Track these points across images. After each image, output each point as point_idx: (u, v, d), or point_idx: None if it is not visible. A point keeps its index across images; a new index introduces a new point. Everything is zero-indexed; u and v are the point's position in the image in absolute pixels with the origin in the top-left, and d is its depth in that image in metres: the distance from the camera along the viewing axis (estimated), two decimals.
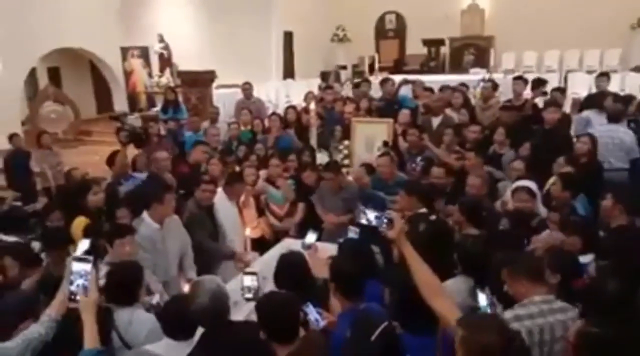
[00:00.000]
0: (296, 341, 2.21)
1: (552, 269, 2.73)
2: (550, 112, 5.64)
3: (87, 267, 2.15)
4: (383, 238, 2.42)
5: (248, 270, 3.31)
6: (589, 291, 2.49)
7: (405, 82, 8.00)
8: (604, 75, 7.05)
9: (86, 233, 3.59)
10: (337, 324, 2.54)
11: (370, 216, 2.28)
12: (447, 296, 2.23)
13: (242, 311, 3.61)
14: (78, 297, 2.15)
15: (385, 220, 2.24)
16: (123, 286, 2.76)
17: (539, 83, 7.10)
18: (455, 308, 2.15)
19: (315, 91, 9.33)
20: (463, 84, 7.96)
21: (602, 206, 3.36)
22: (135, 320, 2.68)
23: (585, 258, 3.09)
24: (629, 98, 6.53)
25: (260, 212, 5.41)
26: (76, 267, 2.15)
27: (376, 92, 8.21)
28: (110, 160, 5.67)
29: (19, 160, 7.29)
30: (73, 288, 2.14)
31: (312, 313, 2.52)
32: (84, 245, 2.61)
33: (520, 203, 3.92)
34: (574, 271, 2.77)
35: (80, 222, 4.14)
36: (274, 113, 7.05)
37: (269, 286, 4.03)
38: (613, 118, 5.59)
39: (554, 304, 2.36)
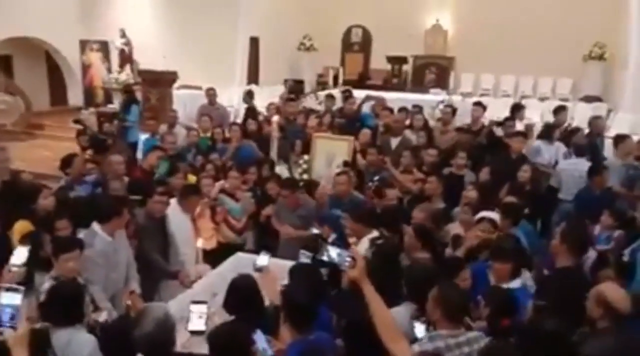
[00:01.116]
0: None
1: (485, 302, 2.84)
2: (518, 141, 5.88)
3: (17, 298, 2.05)
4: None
5: (197, 299, 3.22)
6: (526, 329, 2.56)
7: (368, 98, 8.11)
8: (563, 109, 7.43)
9: (25, 241, 3.34)
10: (286, 354, 2.54)
11: (332, 253, 2.27)
12: (405, 341, 2.25)
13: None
14: (6, 330, 2.05)
15: (347, 259, 2.24)
16: (62, 305, 2.66)
17: (517, 108, 7.40)
18: (410, 353, 2.18)
19: (276, 99, 9.30)
20: (416, 106, 8.13)
21: (552, 245, 3.46)
22: (75, 341, 2.58)
23: (514, 283, 3.25)
24: (576, 130, 6.91)
25: (216, 222, 5.35)
26: (5, 297, 2.05)
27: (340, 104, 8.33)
28: (65, 164, 5.46)
29: None
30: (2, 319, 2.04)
31: (260, 341, 2.50)
32: (21, 253, 2.50)
33: (484, 234, 3.96)
34: (505, 308, 2.83)
35: (22, 227, 3.92)
36: (234, 123, 6.97)
37: (219, 303, 4.04)
38: (579, 153, 5.90)
39: (460, 337, 2.42)
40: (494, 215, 4.15)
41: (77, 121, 8.20)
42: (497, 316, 2.77)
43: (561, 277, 3.22)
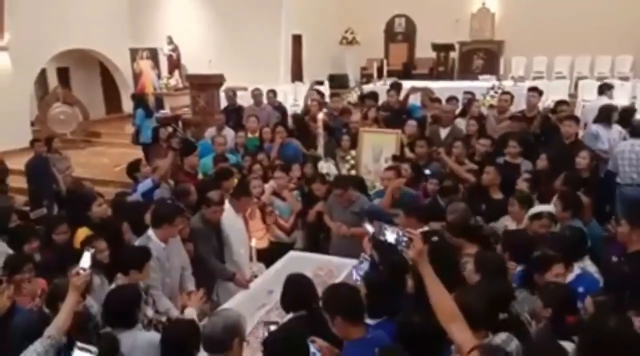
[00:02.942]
0: None
1: (544, 303, 2.70)
2: (568, 125, 5.59)
3: None
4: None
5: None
6: (589, 328, 2.40)
7: (413, 90, 7.93)
8: (608, 88, 7.07)
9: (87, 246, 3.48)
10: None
11: (390, 233, 2.25)
12: (463, 322, 2.19)
13: (250, 324, 3.63)
14: None
15: (404, 240, 2.21)
16: (120, 309, 2.78)
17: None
18: (471, 335, 2.12)
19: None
20: (468, 92, 7.87)
21: (619, 232, 3.29)
22: (139, 343, 2.68)
23: (570, 276, 3.11)
24: (630, 110, 6.50)
25: (266, 222, 5.39)
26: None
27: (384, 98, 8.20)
28: (131, 169, 5.66)
29: (40, 166, 7.21)
30: None
31: (310, 347, 2.47)
32: (86, 257, 2.60)
33: (543, 229, 3.81)
34: (567, 306, 2.69)
35: (82, 233, 4.08)
36: (278, 124, 7.00)
37: (275, 300, 4.08)
38: (635, 133, 5.55)
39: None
40: (551, 207, 3.96)
41: (167, 124, 8.54)
42: (561, 316, 2.64)
43: (634, 261, 3.07)
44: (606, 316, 2.33)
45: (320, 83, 10.96)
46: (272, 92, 8.57)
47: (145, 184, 5.19)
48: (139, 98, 9.85)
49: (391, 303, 2.80)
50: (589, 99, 9.28)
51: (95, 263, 3.59)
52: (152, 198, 4.93)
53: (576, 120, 5.81)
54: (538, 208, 4.00)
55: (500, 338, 2.51)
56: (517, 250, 3.40)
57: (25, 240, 3.85)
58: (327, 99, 8.89)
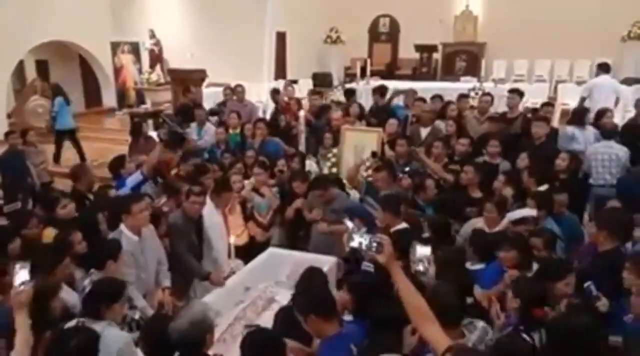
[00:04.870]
0: None
1: (514, 293, 2.80)
2: (538, 126, 5.67)
3: None
4: None
5: (230, 294, 3.25)
6: (557, 323, 2.49)
7: (397, 93, 7.98)
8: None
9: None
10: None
11: (359, 239, 2.24)
12: (436, 322, 2.19)
13: (226, 320, 3.61)
14: None
15: (374, 244, 2.21)
16: (103, 300, 2.74)
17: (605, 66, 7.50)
18: (444, 336, 2.12)
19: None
20: (464, 96, 7.91)
21: (589, 233, 3.39)
22: (106, 336, 2.59)
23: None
24: (603, 112, 6.63)
25: (247, 218, 5.37)
26: None
27: (367, 97, 8.24)
28: (115, 165, 5.58)
29: (14, 159, 6.97)
30: None
31: None
32: (22, 274, 2.42)
33: (525, 231, 3.86)
34: (535, 300, 2.77)
35: (47, 234, 4.00)
36: (259, 120, 6.95)
37: (252, 296, 4.06)
38: (608, 135, 5.66)
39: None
40: (533, 212, 4.03)
41: (157, 115, 8.45)
42: (528, 308, 2.72)
43: (602, 259, 3.19)
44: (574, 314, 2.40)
45: (294, 81, 10.96)
46: (241, 87, 8.47)
47: (134, 178, 5.12)
48: (58, 88, 9.91)
49: (376, 305, 2.80)
50: (568, 103, 9.44)
51: (74, 255, 3.59)
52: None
53: (547, 121, 5.90)
54: (521, 212, 4.05)
55: (476, 334, 2.54)
56: (483, 249, 3.56)
57: (9, 240, 3.69)
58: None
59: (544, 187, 4.57)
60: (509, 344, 2.42)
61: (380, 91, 7.94)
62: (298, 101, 7.66)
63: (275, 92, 8.57)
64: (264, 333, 2.34)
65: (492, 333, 2.60)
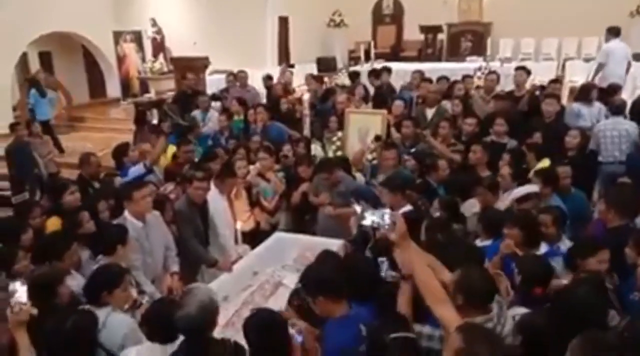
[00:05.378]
0: None
1: (518, 271, 2.77)
2: (549, 104, 5.59)
3: None
4: None
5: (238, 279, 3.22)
6: (561, 297, 2.47)
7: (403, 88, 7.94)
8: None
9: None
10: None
11: (372, 217, 2.20)
12: (449, 302, 2.18)
13: (234, 305, 3.62)
14: None
15: (388, 222, 2.17)
16: (104, 287, 2.74)
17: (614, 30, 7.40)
18: (457, 317, 2.11)
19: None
20: (468, 76, 7.82)
21: (599, 210, 3.35)
22: (110, 322, 2.63)
23: (542, 249, 3.20)
24: (612, 88, 6.53)
25: (253, 204, 5.36)
26: None
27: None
28: (118, 153, 5.56)
29: (21, 150, 7.04)
30: None
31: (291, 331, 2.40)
32: (22, 292, 2.37)
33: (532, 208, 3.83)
34: (537, 278, 2.73)
35: (51, 223, 4.01)
36: (259, 104, 6.90)
37: (260, 281, 4.06)
38: (617, 111, 5.56)
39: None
40: (535, 187, 3.98)
41: (161, 104, 8.44)
42: (529, 285, 2.69)
43: (611, 235, 3.14)
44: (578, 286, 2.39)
45: (291, 66, 10.90)
46: (243, 73, 8.44)
47: (136, 169, 5.11)
48: (32, 81, 10.00)
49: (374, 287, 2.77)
50: (576, 80, 9.30)
51: (82, 236, 3.62)
52: None
53: (557, 98, 5.81)
54: (524, 189, 4.00)
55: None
56: (491, 226, 3.54)
57: (22, 231, 3.67)
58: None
59: (545, 163, 4.51)
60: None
61: (375, 74, 7.85)
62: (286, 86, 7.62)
63: (268, 78, 8.52)
64: (265, 314, 2.32)
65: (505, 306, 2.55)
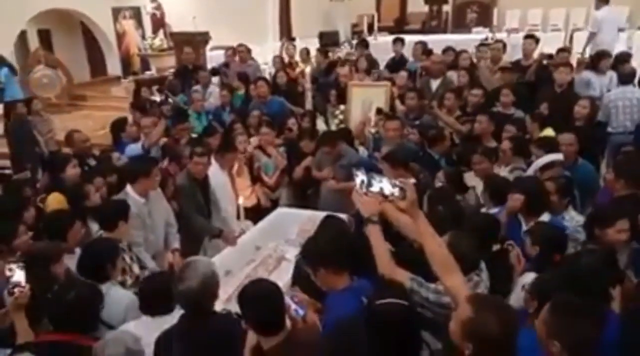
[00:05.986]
0: (282, 333, 2.10)
1: (532, 241, 2.75)
2: (562, 72, 5.45)
3: None
4: None
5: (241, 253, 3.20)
6: (567, 262, 2.47)
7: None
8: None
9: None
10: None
11: (380, 184, 2.10)
12: (459, 272, 2.12)
13: (237, 279, 3.59)
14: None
15: (397, 189, 2.08)
16: (94, 262, 2.72)
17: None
18: (467, 287, 2.07)
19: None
20: (483, 44, 7.61)
21: (607, 179, 3.28)
22: (109, 297, 2.60)
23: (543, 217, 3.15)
24: (623, 57, 6.36)
25: (254, 180, 5.30)
26: None
27: (377, 53, 8.00)
28: (115, 128, 5.48)
29: (21, 128, 6.99)
30: None
31: (291, 304, 2.30)
32: (19, 274, 2.33)
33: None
34: (555, 245, 2.71)
35: (53, 199, 3.97)
36: (259, 78, 6.78)
37: (263, 255, 4.03)
38: (627, 80, 5.41)
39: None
40: (559, 155, 3.87)
41: (160, 90, 8.32)
42: (549, 254, 2.66)
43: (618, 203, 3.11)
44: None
45: (293, 39, 10.71)
46: (243, 47, 8.27)
47: (133, 148, 5.05)
48: (1, 58, 9.70)
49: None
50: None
51: (89, 210, 3.62)
52: None
53: (570, 66, 5.67)
54: (548, 158, 3.87)
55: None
56: (496, 193, 3.50)
57: (25, 208, 3.66)
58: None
59: (547, 132, 4.41)
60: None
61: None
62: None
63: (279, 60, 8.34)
64: (259, 285, 2.27)
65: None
